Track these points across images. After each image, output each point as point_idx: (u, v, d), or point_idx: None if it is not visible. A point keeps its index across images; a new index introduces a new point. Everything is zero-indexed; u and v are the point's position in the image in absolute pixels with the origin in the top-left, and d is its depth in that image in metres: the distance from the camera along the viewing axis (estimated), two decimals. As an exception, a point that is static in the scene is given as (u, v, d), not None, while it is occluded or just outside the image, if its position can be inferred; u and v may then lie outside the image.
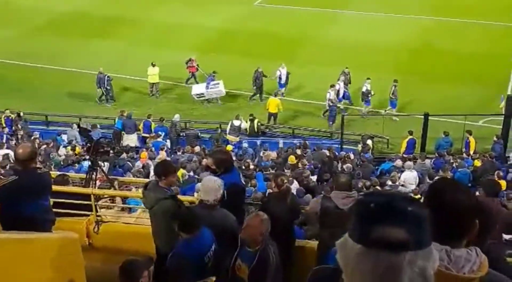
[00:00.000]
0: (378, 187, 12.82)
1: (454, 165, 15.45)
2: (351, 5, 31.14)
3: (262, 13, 31.43)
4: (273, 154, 16.72)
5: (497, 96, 20.01)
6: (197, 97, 22.95)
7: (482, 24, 27.56)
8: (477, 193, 9.12)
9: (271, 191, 7.97)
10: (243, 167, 14.39)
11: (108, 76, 22.73)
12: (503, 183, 13.17)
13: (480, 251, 2.06)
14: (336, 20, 29.78)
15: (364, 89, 21.33)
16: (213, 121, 21.15)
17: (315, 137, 20.52)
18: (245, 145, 18.56)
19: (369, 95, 21.29)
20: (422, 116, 18.62)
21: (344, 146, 19.12)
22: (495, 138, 17.51)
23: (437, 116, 19.37)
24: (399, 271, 1.46)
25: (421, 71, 23.44)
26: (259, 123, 20.63)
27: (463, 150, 17.42)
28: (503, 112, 18.04)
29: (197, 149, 16.81)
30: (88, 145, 8.75)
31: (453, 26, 27.75)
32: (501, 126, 18.01)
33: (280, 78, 22.95)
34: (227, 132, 19.72)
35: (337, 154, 16.98)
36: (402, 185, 13.73)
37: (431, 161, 16.19)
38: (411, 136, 18.08)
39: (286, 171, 14.13)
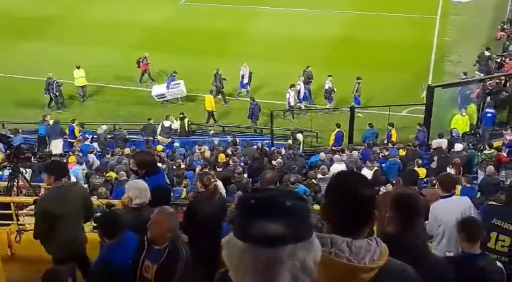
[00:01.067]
0: (314, 180, 13.08)
1: (380, 155, 15.95)
2: (275, 1, 31.43)
3: (188, 11, 31.25)
4: (207, 152, 16.64)
5: (418, 86, 20.70)
6: (158, 98, 22.52)
7: (401, 17, 28.41)
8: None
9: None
10: (174, 167, 14.29)
11: (57, 82, 21.96)
12: (422, 171, 13.71)
13: (381, 241, 2.11)
14: (260, 16, 30.05)
15: (326, 86, 21.26)
16: (142, 122, 20.71)
17: (246, 134, 20.60)
18: (176, 144, 18.34)
19: (332, 92, 21.27)
20: (349, 109, 19.16)
21: (275, 142, 19.32)
22: (418, 127, 18.14)
23: (362, 109, 19.90)
24: (279, 265, 1.49)
25: (346, 64, 23.89)
26: (189, 122, 20.51)
27: (385, 141, 17.92)
28: (425, 102, 18.69)
29: (127, 150, 16.53)
30: (8, 151, 8.45)
31: (373, 19, 28.48)
32: (423, 115, 18.65)
33: (242, 77, 22.47)
34: (158, 133, 19.48)
35: (267, 149, 17.13)
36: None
37: (358, 152, 16.63)
38: (338, 129, 18.47)
39: (218, 169, 14.14)
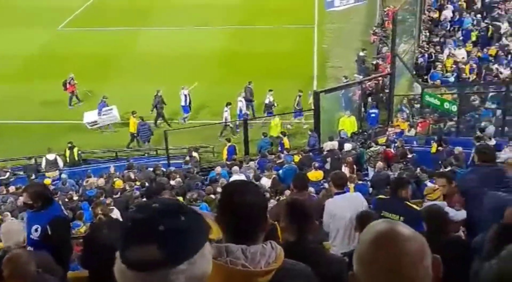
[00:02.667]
0: (212, 195, 13.10)
1: (277, 162, 16.35)
2: (155, 21, 31.27)
3: (67, 36, 30.30)
4: (100, 180, 16.15)
5: (306, 92, 21.46)
6: (90, 126, 21.25)
7: (282, 28, 29.20)
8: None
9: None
10: (66, 199, 13.82)
11: None
12: (319, 173, 14.24)
13: (276, 244, 2.20)
14: (143, 37, 29.73)
15: (267, 101, 21.11)
16: (22, 157, 19.72)
17: (141, 157, 20.30)
18: (63, 176, 17.44)
19: (272, 107, 21.18)
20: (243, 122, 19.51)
21: (171, 161, 19.19)
22: (309, 132, 18.81)
23: (256, 119, 20.31)
24: None
25: (234, 77, 24.16)
26: (79, 151, 19.81)
27: (279, 149, 18.39)
28: (313, 107, 19.41)
29: (11, 188, 15.71)
30: None
31: (256, 32, 29.05)
32: (313, 121, 19.35)
33: (185, 101, 21.57)
34: (43, 168, 18.47)
35: (164, 170, 16.98)
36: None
37: (255, 162, 16.94)
38: (229, 143, 18.70)
39: (114, 196, 13.85)
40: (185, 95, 21.47)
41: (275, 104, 21.33)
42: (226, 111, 20.50)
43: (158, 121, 21.79)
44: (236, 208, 2.15)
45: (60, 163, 18.78)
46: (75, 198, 14.29)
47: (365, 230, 1.63)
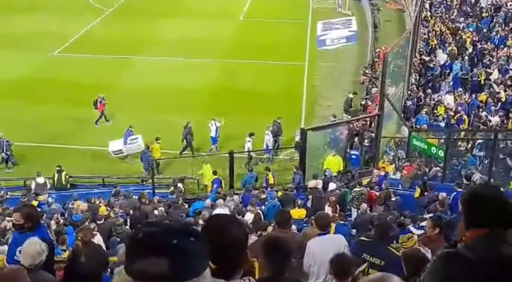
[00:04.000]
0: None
1: (262, 197, 16.32)
2: (148, 51, 31.50)
3: (60, 62, 30.45)
4: (84, 205, 16.03)
5: (293, 130, 21.66)
6: (115, 154, 21.31)
7: (272, 64, 29.54)
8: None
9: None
10: (52, 222, 13.69)
11: (8, 141, 20.70)
12: (302, 212, 14.23)
13: (253, 280, 2.23)
14: (133, 66, 29.96)
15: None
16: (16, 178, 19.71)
17: (126, 185, 20.17)
18: (50, 200, 17.36)
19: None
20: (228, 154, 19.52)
21: (156, 190, 19.10)
22: (294, 170, 18.84)
23: (240, 153, 20.37)
24: None
25: (223, 111, 24.35)
26: (67, 176, 19.71)
27: (263, 185, 18.40)
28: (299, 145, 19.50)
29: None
30: None
31: (246, 67, 29.37)
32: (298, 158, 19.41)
33: (215, 133, 21.88)
34: (33, 191, 18.37)
35: (149, 198, 16.89)
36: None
37: (239, 196, 16.90)
38: (215, 176, 18.67)
39: (98, 222, 13.74)
40: (216, 127, 21.80)
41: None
42: (249, 141, 20.81)
43: (184, 152, 21.87)
44: (218, 241, 2.16)
45: (48, 186, 18.75)
46: (61, 221, 14.13)
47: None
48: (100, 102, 23.81)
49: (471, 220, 2.41)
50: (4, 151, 20.98)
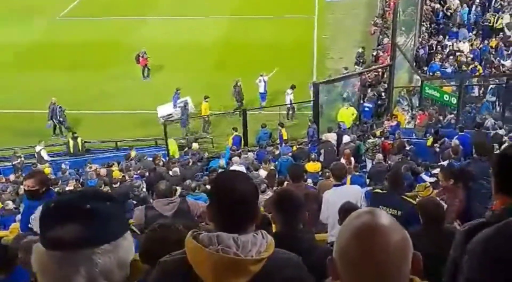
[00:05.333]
0: (208, 186, 13.15)
1: (276, 153, 16.38)
2: (155, 10, 31.17)
3: (68, 25, 30.24)
4: (104, 170, 16.19)
5: (305, 84, 21.49)
6: (165, 119, 20.87)
7: (281, 18, 29.15)
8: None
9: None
10: (67, 189, 13.84)
11: (60, 107, 20.72)
12: (317, 165, 14.27)
13: (266, 233, 2.22)
14: (143, 26, 29.63)
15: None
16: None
17: (142, 147, 20.27)
18: (63, 166, 17.26)
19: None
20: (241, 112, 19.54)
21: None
22: (309, 123, 18.80)
23: (254, 110, 20.31)
24: (72, 269, 1.49)
25: (230, 66, 24.32)
26: (83, 141, 19.88)
27: (277, 141, 18.38)
28: (312, 98, 19.38)
29: (12, 177, 15.74)
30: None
31: (254, 22, 28.96)
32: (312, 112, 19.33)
33: (264, 88, 21.64)
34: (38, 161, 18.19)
35: (164, 160, 17.00)
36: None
37: (254, 153, 16.96)
38: (236, 133, 18.69)
39: (114, 186, 13.90)
40: (264, 82, 21.56)
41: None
42: (291, 93, 20.65)
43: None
44: (227, 196, 2.17)
45: (45, 156, 18.66)
46: (75, 188, 14.29)
47: (347, 218, 1.61)
48: (142, 56, 23.86)
49: (499, 184, 2.23)
50: (58, 117, 20.99)
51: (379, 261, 1.50)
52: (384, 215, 1.58)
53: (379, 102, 20.07)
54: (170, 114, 21.21)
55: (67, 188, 14.10)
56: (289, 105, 20.95)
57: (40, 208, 4.93)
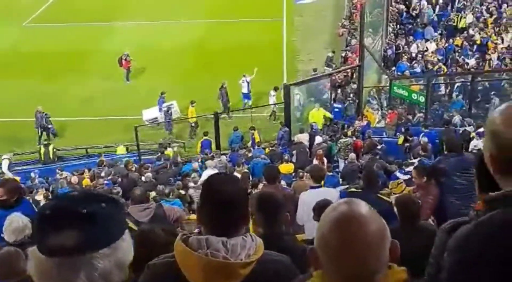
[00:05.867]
0: (181, 190, 13.09)
1: (249, 156, 16.39)
2: (125, 16, 30.92)
3: (35, 32, 29.75)
4: (75, 178, 15.94)
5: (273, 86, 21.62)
6: (150, 123, 20.91)
7: (250, 21, 29.13)
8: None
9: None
10: (36, 198, 13.61)
11: (46, 114, 20.52)
12: (290, 166, 14.35)
13: (256, 236, 2.23)
14: (113, 32, 29.36)
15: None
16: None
17: (112, 154, 20.08)
18: (32, 174, 16.96)
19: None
20: (213, 116, 19.50)
21: (142, 157, 19.05)
22: (280, 126, 18.88)
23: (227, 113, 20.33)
24: (73, 274, 1.48)
25: (203, 70, 24.26)
26: (54, 149, 19.61)
27: (249, 144, 18.42)
28: (283, 100, 19.44)
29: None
30: None
31: (224, 26, 29.01)
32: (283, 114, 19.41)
33: (247, 88, 21.75)
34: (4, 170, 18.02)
35: (135, 165, 16.84)
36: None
37: (226, 157, 16.96)
38: (205, 137, 18.67)
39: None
40: (247, 83, 21.63)
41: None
42: (274, 95, 20.73)
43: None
44: (216, 199, 2.18)
45: (4, 167, 18.34)
46: (41, 198, 13.99)
47: (327, 209, 1.64)
48: (126, 59, 23.91)
49: (483, 184, 2.19)
50: (44, 124, 20.83)
51: (358, 249, 1.53)
52: (363, 204, 1.62)
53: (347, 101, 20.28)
54: (155, 118, 21.24)
55: (37, 197, 13.87)
56: (272, 106, 21.08)
57: (10, 217, 4.87)
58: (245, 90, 21.88)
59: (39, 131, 20.97)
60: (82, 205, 1.51)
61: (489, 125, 1.77)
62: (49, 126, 21.02)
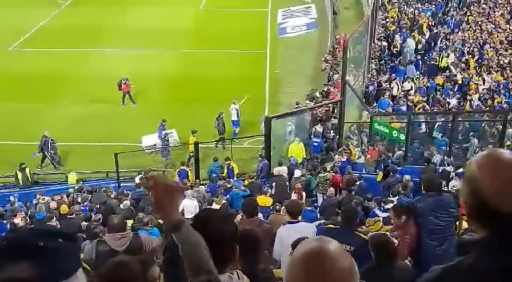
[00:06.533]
0: (160, 219, 12.93)
1: (228, 186, 16.29)
2: (106, 43, 31.02)
3: (20, 57, 29.65)
4: (54, 203, 15.70)
5: (256, 118, 21.76)
6: (148, 150, 20.99)
7: (234, 53, 29.43)
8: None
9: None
10: (15, 221, 13.43)
11: (52, 140, 20.17)
12: (268, 200, 14.31)
13: (242, 273, 2.23)
14: (93, 58, 29.35)
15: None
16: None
17: (91, 180, 19.91)
18: (12, 198, 16.77)
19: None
20: (193, 145, 19.49)
21: (122, 184, 18.90)
22: (259, 158, 18.88)
23: (205, 144, 20.32)
24: None
25: (183, 99, 24.46)
26: (31, 172, 19.38)
27: (227, 174, 18.37)
28: (263, 133, 19.51)
29: None
30: None
31: (207, 56, 29.22)
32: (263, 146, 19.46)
33: (236, 116, 22.00)
34: None
35: (115, 193, 16.70)
36: (182, 213, 14.00)
37: (206, 187, 16.87)
38: (182, 167, 18.61)
39: (61, 221, 13.51)
40: (236, 110, 21.89)
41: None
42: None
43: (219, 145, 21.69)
44: (202, 234, 2.17)
45: None
46: (22, 221, 13.79)
47: (297, 247, 1.67)
48: (125, 83, 24.12)
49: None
50: (49, 150, 20.55)
51: None
52: (333, 242, 1.65)
53: (329, 136, 20.36)
54: (154, 145, 21.36)
55: (15, 220, 13.67)
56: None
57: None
58: (234, 117, 22.19)
59: (43, 155, 20.78)
60: (40, 238, 1.50)
61: (466, 172, 1.81)
62: (52, 152, 20.68)
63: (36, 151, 20.61)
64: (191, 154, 20.33)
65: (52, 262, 1.49)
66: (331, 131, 20.23)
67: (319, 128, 20.15)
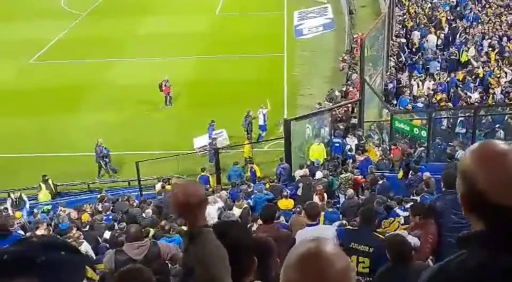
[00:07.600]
0: (183, 226, 12.93)
1: (249, 190, 16.25)
2: (127, 52, 31.37)
3: (40, 69, 30.10)
4: (75, 213, 15.85)
5: (275, 121, 21.74)
6: (200, 150, 21.25)
7: (251, 57, 29.50)
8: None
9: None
10: (37, 233, 13.50)
11: (106, 148, 20.67)
12: (290, 202, 14.25)
13: None
14: (113, 68, 29.77)
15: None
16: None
17: (112, 189, 20.04)
18: (35, 210, 17.00)
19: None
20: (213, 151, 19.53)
21: (144, 192, 19.01)
22: (279, 161, 18.80)
23: (225, 149, 20.33)
24: None
25: (206, 105, 24.50)
26: (54, 183, 19.59)
27: (249, 177, 18.35)
28: (283, 135, 19.43)
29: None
30: None
31: (225, 61, 29.34)
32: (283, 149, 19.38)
33: (263, 120, 22.33)
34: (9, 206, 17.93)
35: (136, 201, 16.79)
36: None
37: (227, 192, 16.84)
38: (202, 173, 18.61)
39: (84, 230, 13.61)
40: (264, 115, 22.16)
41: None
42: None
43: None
44: (227, 246, 2.09)
45: (8, 203, 18.24)
46: (46, 232, 13.94)
47: (294, 247, 1.65)
48: (165, 85, 24.62)
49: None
50: (104, 158, 20.98)
51: None
52: (329, 243, 1.63)
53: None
54: (206, 145, 21.55)
55: (37, 232, 13.80)
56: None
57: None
58: (261, 122, 22.42)
59: (99, 164, 21.11)
60: (42, 251, 1.48)
61: (460, 165, 1.77)
62: (106, 160, 21.03)
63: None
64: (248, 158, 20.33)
65: (56, 275, 1.47)
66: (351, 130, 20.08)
67: (339, 128, 20.02)
